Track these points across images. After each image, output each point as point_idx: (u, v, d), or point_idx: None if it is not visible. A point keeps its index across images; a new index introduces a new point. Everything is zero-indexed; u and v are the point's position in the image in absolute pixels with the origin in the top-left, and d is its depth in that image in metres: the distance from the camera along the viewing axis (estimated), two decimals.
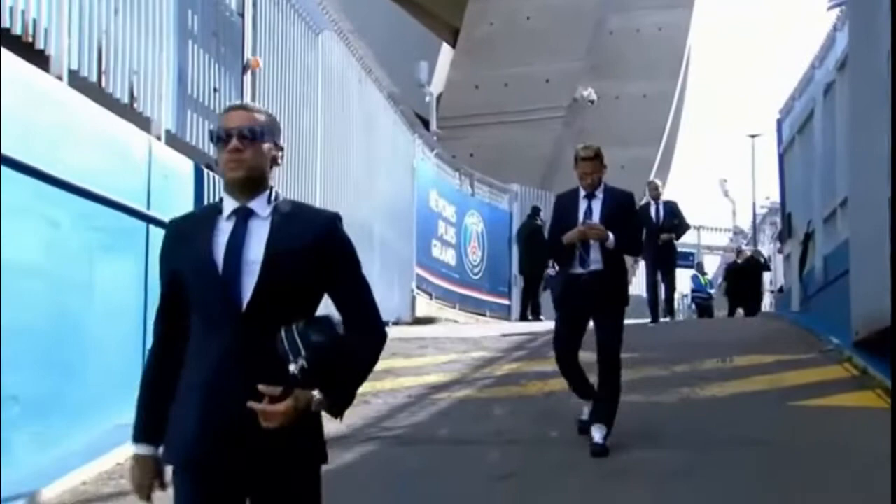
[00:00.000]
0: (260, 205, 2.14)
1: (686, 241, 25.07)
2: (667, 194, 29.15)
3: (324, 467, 2.14)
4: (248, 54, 7.03)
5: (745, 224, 25.72)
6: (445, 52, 30.87)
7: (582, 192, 5.26)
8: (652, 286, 11.10)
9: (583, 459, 4.83)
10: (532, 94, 26.65)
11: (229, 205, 2.14)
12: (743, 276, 17.10)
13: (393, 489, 4.65)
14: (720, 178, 25.04)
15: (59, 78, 5.12)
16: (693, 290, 20.87)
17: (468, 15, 28.50)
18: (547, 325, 10.38)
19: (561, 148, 27.03)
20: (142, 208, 5.84)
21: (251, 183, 2.13)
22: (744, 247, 21.23)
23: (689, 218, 18.73)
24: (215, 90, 7.08)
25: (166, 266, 2.19)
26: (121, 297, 5.62)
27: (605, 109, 27.60)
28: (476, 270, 17.53)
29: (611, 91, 28.22)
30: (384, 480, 4.81)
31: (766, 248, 22.22)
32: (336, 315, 2.13)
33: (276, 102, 7.62)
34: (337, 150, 9.88)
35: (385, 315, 10.78)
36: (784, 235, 13.08)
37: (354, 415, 5.95)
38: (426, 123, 16.21)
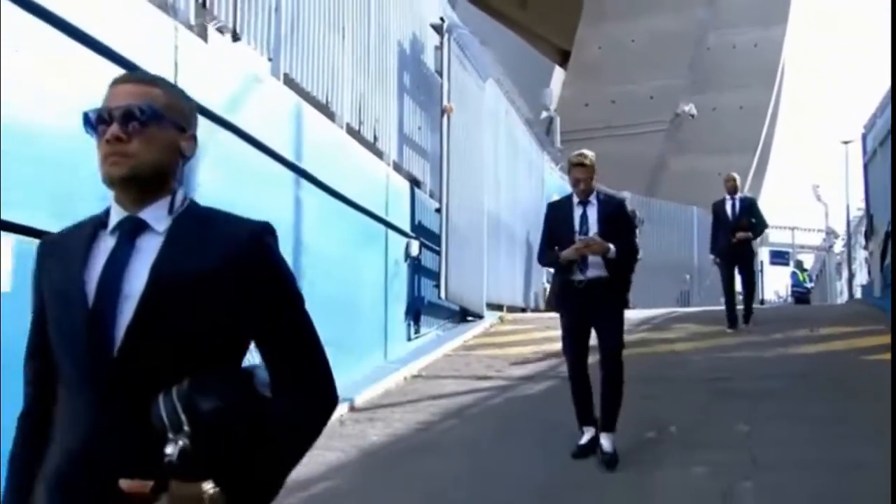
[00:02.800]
0: (155, 215, 1.44)
1: (781, 240, 26.14)
2: (762, 199, 29.95)
3: (508, 394, 3.27)
4: (444, 101, 9.03)
5: (837, 225, 26.53)
6: (557, 73, 32.56)
7: (575, 200, 4.98)
8: (728, 287, 9.45)
9: (710, 386, 6.60)
10: (637, 110, 28.06)
11: (115, 216, 1.45)
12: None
13: (568, 411, 6.50)
14: (812, 184, 25.87)
15: (341, 127, 7.21)
16: (792, 286, 21.96)
17: (578, 40, 30.15)
18: (655, 310, 12.12)
19: (664, 159, 28.42)
20: (382, 215, 7.90)
21: (141, 185, 1.43)
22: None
23: (784, 219, 19.73)
24: (419, 128, 9.16)
25: (36, 294, 1.49)
26: (372, 274, 7.68)
27: (703, 121, 28.67)
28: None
29: (708, 103, 29.19)
30: (563, 412, 6.67)
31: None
32: (261, 370, 1.43)
33: (461, 136, 9.62)
34: (495, 167, 11.86)
35: (522, 302, 13.19)
36: (868, 234, 14.36)
37: (533, 365, 7.89)
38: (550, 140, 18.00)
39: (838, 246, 25.42)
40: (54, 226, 1.67)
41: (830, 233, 27.06)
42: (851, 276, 20.50)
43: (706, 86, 29.45)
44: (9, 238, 3.44)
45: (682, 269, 21.00)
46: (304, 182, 6.25)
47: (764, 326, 9.48)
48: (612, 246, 4.79)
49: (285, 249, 5.07)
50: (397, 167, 8.52)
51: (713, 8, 30.13)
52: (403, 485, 4.76)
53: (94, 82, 3.80)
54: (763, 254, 23.88)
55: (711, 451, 5.03)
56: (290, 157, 6.03)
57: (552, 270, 16.50)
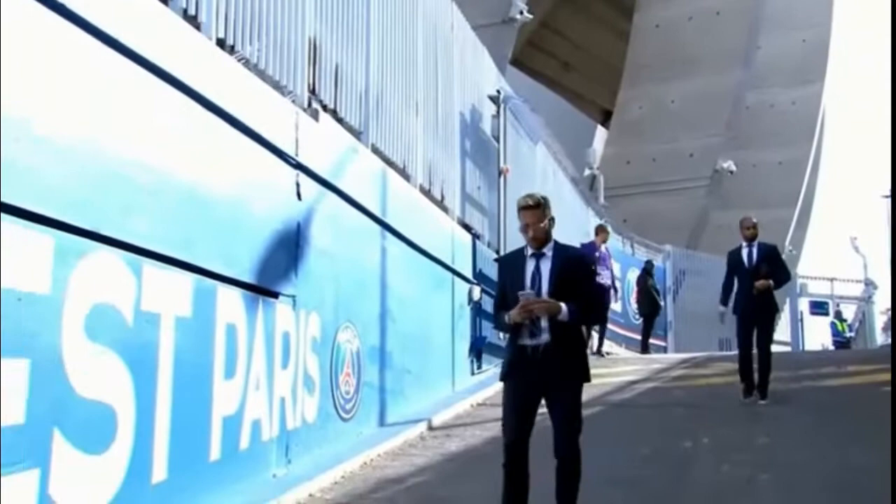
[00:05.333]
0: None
1: (820, 291, 26.62)
2: (804, 251, 30.35)
3: None
4: (501, 163, 10.19)
5: (877, 276, 27.01)
6: (599, 132, 33.74)
7: (528, 251, 4.22)
8: (745, 347, 8.15)
9: (739, 411, 7.49)
10: (677, 167, 28.93)
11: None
12: None
13: (621, 429, 7.44)
14: (850, 236, 26.45)
15: (416, 188, 8.36)
16: (832, 336, 22.46)
17: (620, 101, 31.29)
18: (696, 353, 13.00)
19: (705, 214, 29.17)
20: (450, 264, 8.99)
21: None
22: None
23: (823, 270, 20.21)
24: (478, 188, 10.30)
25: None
26: (441, 315, 8.75)
27: (743, 176, 29.35)
28: (636, 317, 20.05)
29: (748, 159, 29.86)
30: (615, 427, 7.62)
31: None
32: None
33: (516, 194, 10.71)
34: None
35: None
36: None
37: (585, 393, 8.83)
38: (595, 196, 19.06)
39: (878, 296, 25.88)
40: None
41: (869, 283, 27.50)
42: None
43: (745, 143, 30.14)
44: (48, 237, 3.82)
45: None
46: (388, 234, 7.38)
47: (792, 364, 10.31)
48: (563, 306, 3.99)
49: (374, 292, 6.47)
50: (461, 222, 9.65)
51: (750, 68, 31.03)
52: (478, 479, 5.75)
53: (228, 151, 4.98)
54: (803, 304, 24.44)
55: (737, 455, 5.95)
56: (377, 213, 7.17)
57: None
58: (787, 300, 24.04)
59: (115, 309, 4.05)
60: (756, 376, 8.04)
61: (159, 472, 4.33)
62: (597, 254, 11.90)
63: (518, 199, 4.40)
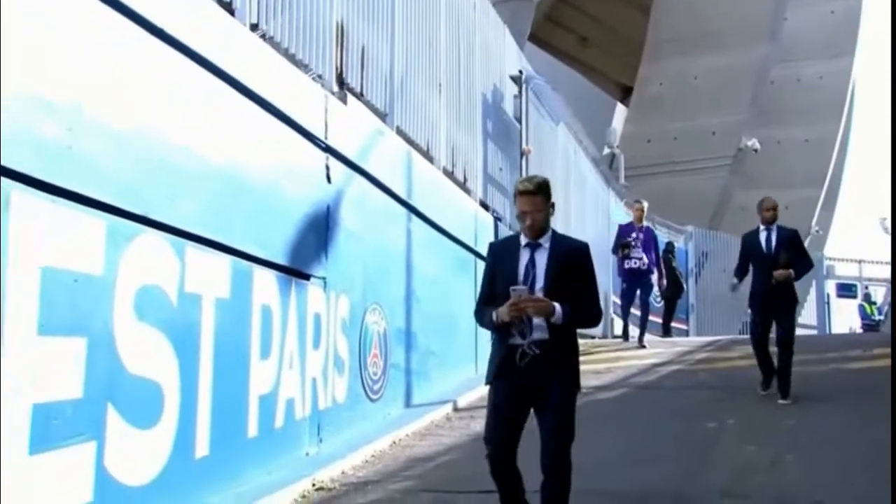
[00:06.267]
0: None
1: (848, 273, 26.76)
2: (832, 233, 30.35)
3: (588, 399, 4.07)
4: (523, 144, 10.43)
5: None
6: (619, 110, 33.83)
7: (523, 241, 3.92)
8: (761, 340, 7.68)
9: (754, 391, 7.74)
10: (699, 145, 29.05)
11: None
12: None
13: (645, 411, 7.71)
14: (879, 217, 26.51)
15: (439, 170, 8.62)
16: (861, 319, 22.61)
17: (640, 77, 31.38)
18: (720, 336, 13.23)
19: (727, 193, 29.30)
20: (472, 245, 9.26)
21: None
22: None
23: (851, 252, 20.29)
24: (500, 169, 10.55)
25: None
26: (464, 297, 9.02)
27: (767, 155, 29.34)
28: (658, 299, 20.27)
29: (773, 137, 29.81)
30: (639, 409, 7.89)
31: None
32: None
33: (539, 172, 10.98)
34: (566, 203, 13.18)
35: (592, 332, 14.64)
36: None
37: (608, 376, 9.12)
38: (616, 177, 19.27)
39: None
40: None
41: None
42: None
43: (770, 120, 30.09)
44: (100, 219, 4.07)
45: (745, 299, 21.91)
46: (413, 216, 7.65)
47: (819, 346, 10.56)
48: (557, 307, 3.71)
49: (399, 273, 6.79)
50: (483, 204, 9.90)
51: (776, 42, 30.97)
52: None
53: (263, 136, 5.26)
54: (830, 286, 24.59)
55: (762, 436, 6.22)
56: (403, 195, 7.44)
57: (620, 301, 17.92)
58: (814, 282, 24.19)
59: (160, 290, 4.35)
60: (776, 374, 7.50)
61: (202, 448, 4.64)
62: (633, 234, 11.69)
63: (516, 182, 4.05)
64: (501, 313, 3.77)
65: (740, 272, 7.92)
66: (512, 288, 3.75)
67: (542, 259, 3.86)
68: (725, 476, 5.30)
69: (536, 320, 3.76)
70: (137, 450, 4.13)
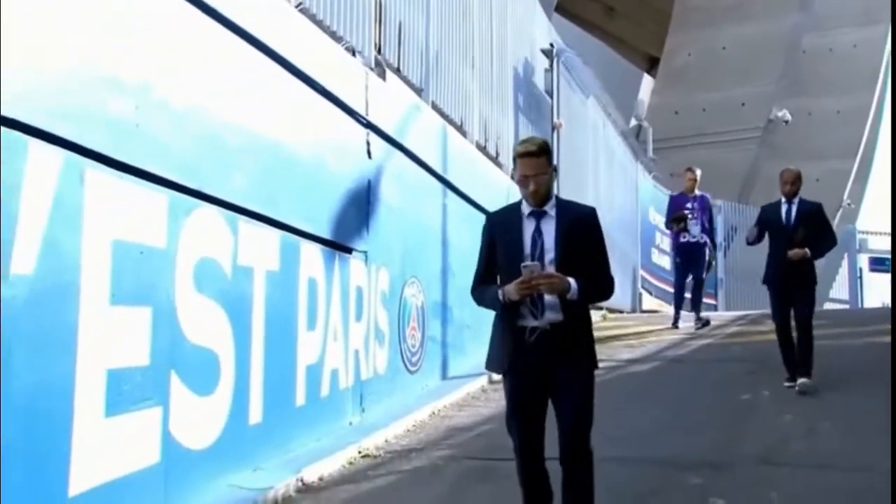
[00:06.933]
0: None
1: (881, 246, 26.73)
2: (865, 205, 30.19)
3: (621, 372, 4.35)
4: (554, 118, 10.61)
5: None
6: (646, 81, 33.77)
7: (526, 209, 3.60)
8: (782, 330, 7.27)
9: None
10: (728, 117, 28.98)
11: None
12: None
13: (680, 382, 7.93)
14: None
15: (472, 144, 8.83)
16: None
17: (668, 47, 31.27)
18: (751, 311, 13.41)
19: (757, 166, 29.24)
20: None
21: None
22: None
23: (883, 224, 20.02)
24: None
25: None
26: None
27: (798, 126, 29.23)
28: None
29: (804, 108, 29.65)
30: (674, 380, 8.12)
31: None
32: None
33: (568, 149, 11.16)
34: (595, 176, 13.36)
35: (619, 305, 15.00)
36: None
37: (640, 350, 9.36)
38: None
39: None
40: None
41: None
42: None
43: (801, 90, 29.90)
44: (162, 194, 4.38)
45: None
46: (448, 191, 7.87)
47: (855, 323, 10.73)
48: (572, 281, 3.41)
49: (435, 247, 7.08)
50: (513, 178, 10.10)
51: (807, 11, 30.74)
52: None
53: (308, 112, 5.49)
54: (862, 260, 24.60)
55: (798, 407, 6.44)
56: (438, 170, 7.66)
57: (648, 275, 18.08)
58: (846, 256, 24.21)
59: (216, 262, 4.61)
60: (797, 356, 7.12)
61: (255, 415, 4.92)
62: (689, 204, 10.90)
63: (516, 145, 3.69)
64: (509, 291, 3.44)
65: (756, 239, 7.48)
66: (523, 265, 3.40)
67: (549, 228, 3.54)
68: (763, 444, 5.52)
69: (548, 298, 3.45)
70: (197, 416, 4.41)
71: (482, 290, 3.72)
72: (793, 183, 7.19)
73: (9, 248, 3.22)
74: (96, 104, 3.71)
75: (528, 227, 3.56)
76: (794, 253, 6.96)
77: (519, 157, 3.58)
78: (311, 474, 4.97)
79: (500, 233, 3.68)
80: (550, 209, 3.58)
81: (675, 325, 11.27)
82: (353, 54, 6.35)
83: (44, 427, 3.40)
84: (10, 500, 3.21)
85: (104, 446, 3.71)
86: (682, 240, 10.94)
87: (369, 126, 6.32)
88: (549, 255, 3.51)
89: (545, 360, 3.48)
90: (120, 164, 3.85)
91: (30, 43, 3.36)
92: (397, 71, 7.12)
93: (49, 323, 3.43)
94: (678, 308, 11.46)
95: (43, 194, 3.41)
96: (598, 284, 3.57)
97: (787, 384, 7.18)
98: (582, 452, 3.48)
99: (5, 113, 3.22)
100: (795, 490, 4.58)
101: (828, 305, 21.70)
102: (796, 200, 7.22)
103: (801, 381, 6.93)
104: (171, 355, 4.19)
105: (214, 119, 4.60)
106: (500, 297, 3.50)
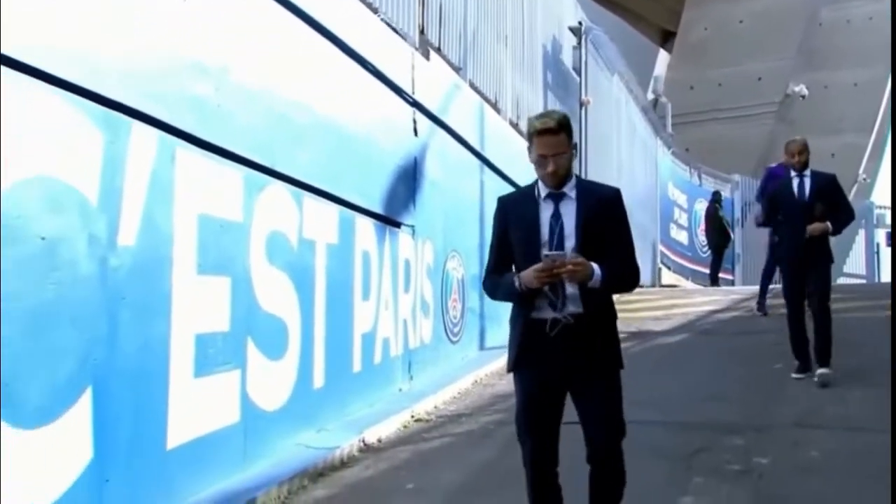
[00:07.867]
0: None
1: None
2: (880, 179, 30.26)
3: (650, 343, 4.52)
4: (582, 95, 10.85)
5: None
6: (661, 56, 33.80)
7: (542, 191, 3.18)
8: (795, 314, 6.74)
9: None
10: (744, 92, 29.03)
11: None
12: None
13: (711, 353, 8.21)
14: None
15: (506, 121, 9.09)
16: None
17: (684, 22, 31.29)
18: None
19: (773, 140, 29.28)
20: None
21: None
22: None
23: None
24: None
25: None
26: None
27: (814, 100, 29.22)
28: (704, 249, 20.65)
29: (820, 81, 29.65)
30: (705, 352, 8.40)
31: None
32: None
33: (595, 125, 11.40)
34: (618, 151, 13.61)
35: (640, 281, 15.21)
36: None
37: (667, 322, 9.64)
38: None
39: None
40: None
41: None
42: None
43: (818, 64, 29.88)
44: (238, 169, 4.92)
45: None
46: (485, 168, 8.14)
47: (874, 296, 10.97)
48: (596, 269, 3.05)
49: (473, 222, 7.35)
50: None
51: None
52: None
53: (361, 92, 5.75)
54: (879, 235, 24.78)
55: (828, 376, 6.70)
56: (477, 147, 7.92)
57: (667, 250, 18.31)
58: (863, 231, 24.41)
59: (284, 236, 4.90)
60: (813, 342, 6.62)
61: (318, 379, 5.24)
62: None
63: (531, 119, 3.22)
64: (527, 279, 3.05)
65: (767, 219, 7.19)
66: (545, 254, 3.04)
67: (569, 211, 3.14)
68: (796, 409, 5.80)
69: (570, 288, 3.08)
70: (270, 379, 4.72)
71: (495, 279, 3.30)
72: (800, 153, 6.56)
73: (115, 221, 3.52)
74: (183, 87, 3.99)
75: (546, 211, 3.15)
76: (815, 227, 6.39)
77: (536, 134, 3.12)
78: (371, 436, 5.29)
79: (515, 218, 3.24)
80: (570, 191, 3.17)
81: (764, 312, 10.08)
82: (401, 35, 6.60)
83: (145, 386, 3.71)
84: (117, 453, 3.52)
85: (194, 405, 4.02)
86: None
87: (415, 105, 6.59)
88: (569, 241, 3.11)
89: (567, 357, 3.08)
90: (204, 143, 4.14)
91: (127, 29, 3.64)
92: (438, 50, 7.37)
93: (148, 290, 3.73)
94: (765, 292, 10.32)
95: (142, 172, 3.70)
96: (623, 273, 3.17)
97: (794, 375, 6.72)
98: (613, 457, 3.17)
99: (113, 96, 3.50)
100: (834, 448, 4.87)
101: (843, 280, 21.91)
102: (808, 172, 6.59)
103: (820, 371, 6.48)
104: (248, 322, 4.50)
105: (282, 99, 4.88)
106: (517, 286, 3.10)
